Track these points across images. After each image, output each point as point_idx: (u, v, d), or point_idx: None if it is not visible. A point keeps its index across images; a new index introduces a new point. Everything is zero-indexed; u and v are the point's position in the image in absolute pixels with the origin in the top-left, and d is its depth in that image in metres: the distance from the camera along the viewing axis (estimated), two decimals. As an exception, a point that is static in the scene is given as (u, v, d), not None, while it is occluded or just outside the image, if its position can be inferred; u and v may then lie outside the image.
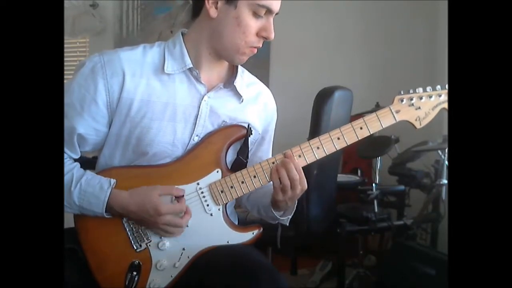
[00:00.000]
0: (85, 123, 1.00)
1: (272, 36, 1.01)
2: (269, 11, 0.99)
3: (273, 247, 1.90)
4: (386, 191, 2.14)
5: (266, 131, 1.20)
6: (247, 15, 0.98)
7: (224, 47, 1.02)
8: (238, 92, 1.08)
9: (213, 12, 0.99)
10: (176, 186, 1.01)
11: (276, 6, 1.00)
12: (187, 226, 1.01)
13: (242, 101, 1.10)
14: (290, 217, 1.11)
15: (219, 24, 1.00)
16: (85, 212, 0.99)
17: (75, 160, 1.05)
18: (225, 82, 1.08)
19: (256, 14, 0.98)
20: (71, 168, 1.01)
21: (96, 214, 0.99)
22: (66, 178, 0.99)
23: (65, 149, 1.03)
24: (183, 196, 1.00)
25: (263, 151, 1.20)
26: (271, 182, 1.02)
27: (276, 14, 1.02)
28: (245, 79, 1.13)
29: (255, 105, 1.14)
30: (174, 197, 1.00)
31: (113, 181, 1.00)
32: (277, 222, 1.12)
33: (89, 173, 1.02)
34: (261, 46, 1.04)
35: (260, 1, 0.97)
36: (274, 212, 1.07)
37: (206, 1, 0.98)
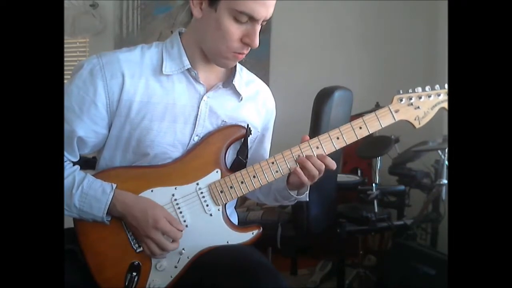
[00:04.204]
0: (84, 126, 1.00)
1: (256, 44, 0.96)
2: (252, 18, 0.94)
3: (273, 247, 1.90)
4: (386, 191, 2.14)
5: (267, 129, 1.20)
6: (227, 19, 0.94)
7: (207, 49, 1.02)
8: (237, 91, 1.08)
9: (197, 12, 0.98)
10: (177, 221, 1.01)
11: (260, 13, 0.93)
12: (187, 226, 1.01)
13: (241, 99, 1.10)
14: (307, 192, 1.10)
15: (203, 26, 0.99)
16: (84, 216, 0.99)
17: (74, 163, 1.05)
18: (224, 81, 1.08)
19: (237, 20, 0.94)
20: (72, 171, 1.01)
21: (96, 218, 0.98)
22: (67, 181, 0.99)
23: (65, 153, 1.03)
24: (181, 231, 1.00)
25: (265, 149, 1.21)
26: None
27: (266, 21, 0.96)
28: (244, 77, 1.13)
29: (254, 103, 1.14)
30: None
31: (114, 185, 1.00)
32: (295, 202, 1.13)
33: (90, 176, 1.01)
34: (246, 52, 1.00)
35: (239, 7, 0.92)
36: (292, 193, 1.08)
37: (190, 1, 0.97)
